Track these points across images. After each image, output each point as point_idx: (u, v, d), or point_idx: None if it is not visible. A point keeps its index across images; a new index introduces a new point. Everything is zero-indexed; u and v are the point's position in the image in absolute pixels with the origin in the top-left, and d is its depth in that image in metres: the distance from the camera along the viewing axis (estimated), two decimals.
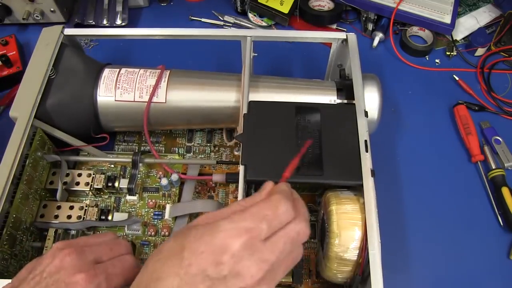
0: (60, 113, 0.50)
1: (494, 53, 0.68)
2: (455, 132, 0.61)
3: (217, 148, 0.58)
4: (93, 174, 0.52)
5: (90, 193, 0.52)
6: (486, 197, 0.56)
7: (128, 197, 0.53)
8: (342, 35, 0.53)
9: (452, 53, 0.69)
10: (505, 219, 0.53)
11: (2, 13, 0.68)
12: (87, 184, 0.51)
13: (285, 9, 0.70)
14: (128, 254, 0.38)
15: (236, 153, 0.57)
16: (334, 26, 0.73)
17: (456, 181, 0.57)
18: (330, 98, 0.50)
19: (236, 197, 0.50)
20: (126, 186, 0.51)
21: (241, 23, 0.73)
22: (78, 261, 0.34)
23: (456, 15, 0.69)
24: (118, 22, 0.70)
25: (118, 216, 0.51)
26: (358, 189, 0.43)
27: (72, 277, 0.33)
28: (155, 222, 0.52)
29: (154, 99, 0.51)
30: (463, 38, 0.71)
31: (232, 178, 0.50)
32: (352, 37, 0.52)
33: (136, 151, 0.56)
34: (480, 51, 0.68)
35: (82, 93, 0.51)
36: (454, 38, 0.70)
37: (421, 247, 0.52)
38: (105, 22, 0.70)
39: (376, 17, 0.71)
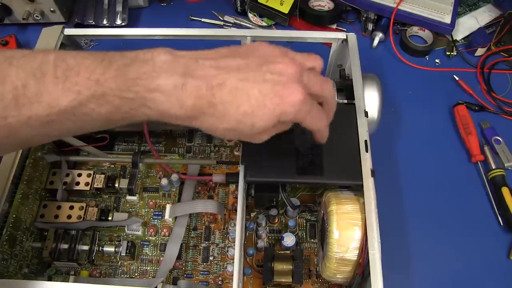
0: None
1: (494, 53, 0.68)
2: (455, 132, 0.61)
3: (217, 148, 0.57)
4: (93, 174, 0.52)
5: (90, 193, 0.52)
6: (486, 197, 0.56)
7: (128, 197, 0.53)
8: (342, 35, 0.53)
9: (452, 53, 0.69)
10: (505, 219, 0.53)
11: (2, 13, 0.68)
12: (87, 184, 0.51)
13: (285, 9, 0.70)
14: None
15: (236, 153, 0.57)
16: (334, 26, 0.73)
17: (456, 181, 0.57)
18: None
19: (236, 197, 0.50)
20: (126, 186, 0.51)
21: (241, 23, 0.73)
22: (300, 79, 0.33)
23: (456, 15, 0.69)
24: (118, 22, 0.70)
25: (118, 216, 0.51)
26: (358, 189, 0.43)
27: (292, 84, 0.32)
28: (155, 222, 0.52)
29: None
30: (463, 38, 0.71)
31: (232, 178, 0.50)
32: (352, 37, 0.52)
33: (136, 151, 0.56)
34: (480, 51, 0.68)
35: None
36: (454, 38, 0.70)
37: (421, 247, 0.52)
38: (105, 22, 0.70)
39: (376, 17, 0.71)
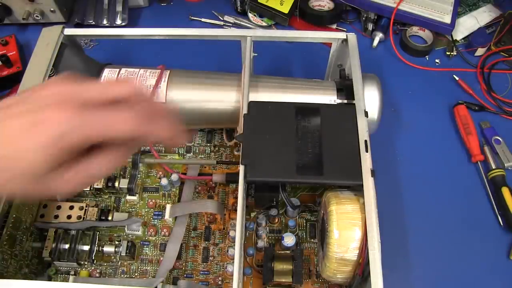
0: None
1: (494, 53, 0.68)
2: (455, 132, 0.61)
3: (217, 148, 0.58)
4: None
5: (90, 193, 0.52)
6: (486, 197, 0.56)
7: (128, 197, 0.53)
8: (342, 35, 0.53)
9: (452, 53, 0.69)
10: (505, 219, 0.53)
11: (2, 13, 0.68)
12: None
13: (285, 9, 0.70)
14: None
15: (236, 153, 0.57)
16: (334, 26, 0.73)
17: (456, 181, 0.57)
18: (330, 98, 0.50)
19: (236, 197, 0.50)
20: (126, 186, 0.51)
21: (241, 23, 0.73)
22: (64, 97, 0.28)
23: (456, 15, 0.69)
24: (118, 22, 0.70)
25: (118, 216, 0.51)
26: (358, 189, 0.43)
27: (51, 106, 0.27)
28: (155, 222, 0.52)
29: (154, 99, 0.51)
30: (463, 38, 0.70)
31: (232, 178, 0.50)
32: (352, 37, 0.52)
33: (136, 151, 0.56)
34: (480, 51, 0.68)
35: None
36: (454, 38, 0.70)
37: (421, 247, 0.52)
38: (105, 22, 0.70)
39: (376, 17, 0.71)
